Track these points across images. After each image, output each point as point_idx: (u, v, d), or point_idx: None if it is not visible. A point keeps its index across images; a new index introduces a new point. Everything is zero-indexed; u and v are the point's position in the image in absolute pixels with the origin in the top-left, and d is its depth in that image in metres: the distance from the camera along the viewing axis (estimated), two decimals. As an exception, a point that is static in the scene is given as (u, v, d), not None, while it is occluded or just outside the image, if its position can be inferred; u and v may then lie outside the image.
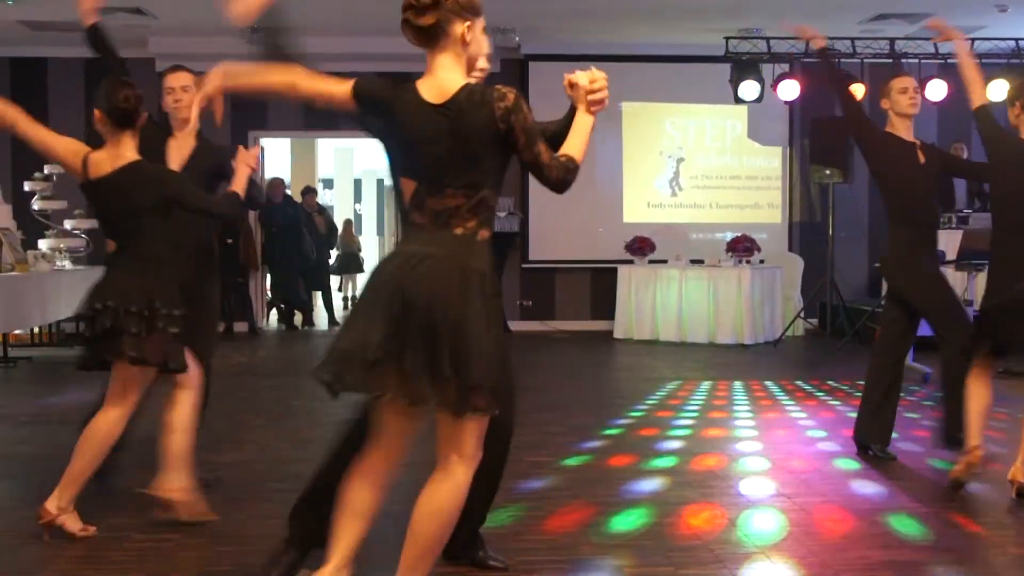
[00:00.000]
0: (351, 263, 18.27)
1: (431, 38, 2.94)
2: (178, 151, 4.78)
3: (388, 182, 25.09)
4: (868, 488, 5.05)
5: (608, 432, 6.40)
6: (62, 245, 11.11)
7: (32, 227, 11.33)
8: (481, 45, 3.03)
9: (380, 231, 26.78)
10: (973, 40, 11.31)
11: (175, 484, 4.29)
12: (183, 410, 4.37)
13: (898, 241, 5.49)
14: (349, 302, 18.49)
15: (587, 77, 3.05)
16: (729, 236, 12.38)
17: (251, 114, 12.58)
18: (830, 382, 8.54)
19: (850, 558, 3.96)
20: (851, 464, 5.53)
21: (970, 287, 8.96)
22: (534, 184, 3.04)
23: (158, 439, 4.36)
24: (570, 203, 10.58)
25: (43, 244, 11.04)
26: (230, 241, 12.41)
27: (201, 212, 4.43)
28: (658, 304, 11.86)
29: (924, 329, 5.67)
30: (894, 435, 5.68)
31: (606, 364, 10.34)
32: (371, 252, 24.67)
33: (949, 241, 10.70)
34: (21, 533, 4.23)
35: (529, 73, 12.73)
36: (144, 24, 11.36)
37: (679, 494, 4.90)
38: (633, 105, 12.95)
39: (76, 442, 4.20)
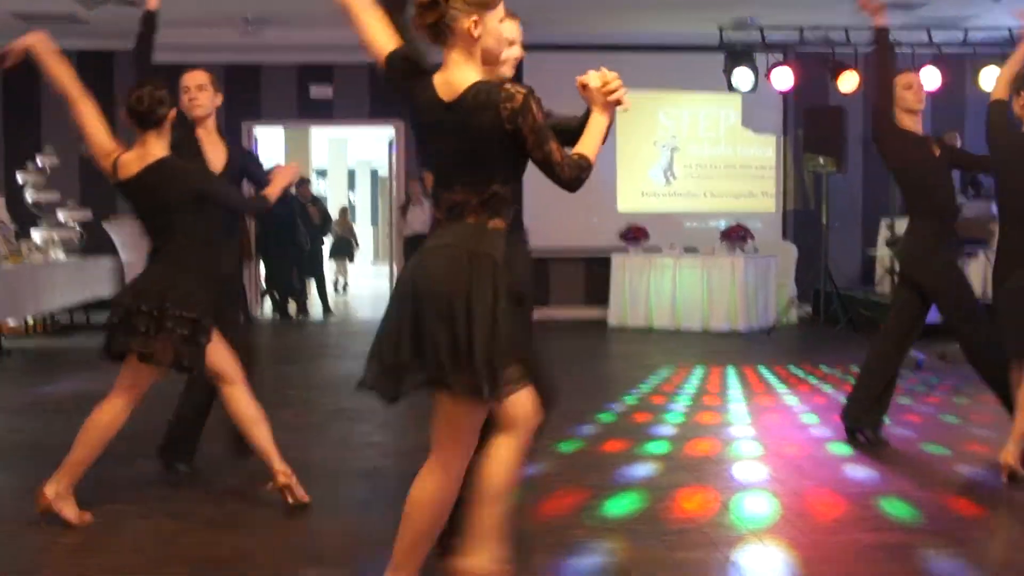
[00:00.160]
0: (344, 247, 18.34)
1: (439, 35, 2.92)
2: (215, 157, 4.86)
3: (382, 173, 25.14)
4: (860, 472, 5.08)
5: (602, 418, 6.43)
6: (55, 236, 11.12)
7: (25, 218, 11.32)
8: (498, 37, 2.97)
9: (374, 221, 26.79)
10: (967, 30, 11.35)
11: (276, 467, 4.35)
12: (238, 404, 4.42)
13: (921, 234, 5.51)
14: (342, 289, 18.59)
15: (599, 78, 3.04)
16: (723, 225, 12.41)
17: (245, 104, 12.56)
18: (823, 368, 8.57)
19: (841, 541, 3.99)
20: (843, 449, 5.56)
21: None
22: (528, 173, 3.02)
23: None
24: (564, 192, 10.57)
25: (36, 235, 11.04)
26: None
27: (230, 207, 4.57)
28: (652, 292, 11.88)
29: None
30: (886, 420, 5.71)
31: (600, 351, 10.37)
32: (366, 242, 24.69)
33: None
34: (17, 522, 4.25)
35: (524, 63, 12.68)
36: (137, 16, 11.33)
37: (672, 478, 4.93)
38: (627, 94, 12.94)
39: (70, 431, 4.22)
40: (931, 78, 11.32)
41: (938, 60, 11.47)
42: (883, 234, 11.59)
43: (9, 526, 4.22)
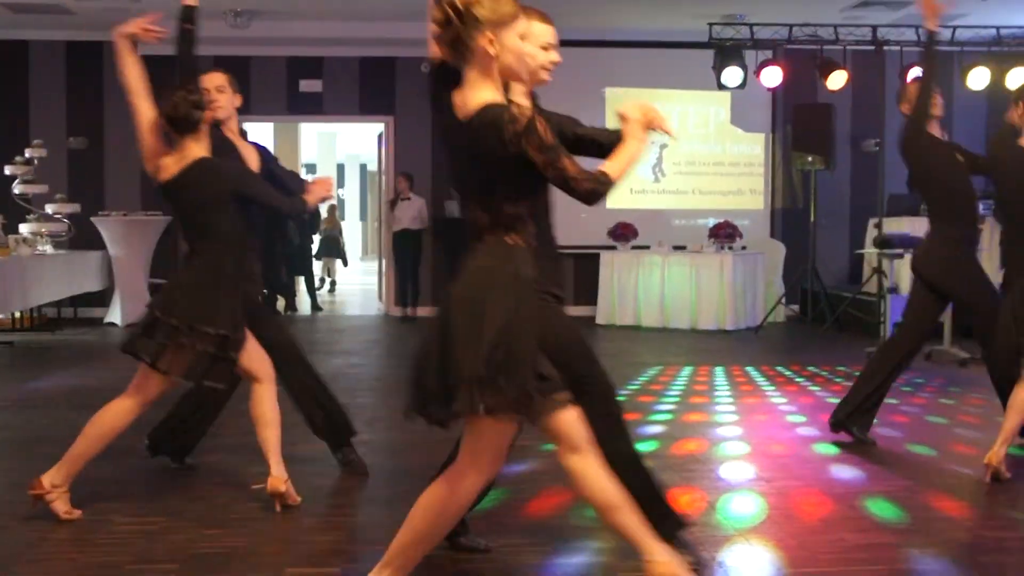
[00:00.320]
0: (332, 247, 18.32)
1: (458, 54, 2.91)
2: (249, 157, 4.91)
3: (371, 167, 25.09)
4: (846, 472, 5.11)
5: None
6: (43, 229, 11.09)
7: (13, 211, 11.29)
8: (517, 53, 2.92)
9: (363, 216, 26.74)
10: (955, 28, 11.39)
11: (274, 473, 4.35)
12: (262, 404, 4.44)
13: (947, 239, 5.50)
14: (329, 286, 18.58)
15: (639, 111, 3.04)
16: (712, 222, 12.44)
17: (234, 98, 12.53)
18: (810, 368, 8.61)
19: (828, 541, 4.01)
20: (830, 449, 5.59)
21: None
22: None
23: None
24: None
25: (24, 228, 11.01)
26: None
27: (266, 206, 4.67)
28: (640, 290, 11.91)
29: (900, 315, 5.73)
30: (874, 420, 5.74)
31: (588, 349, 10.36)
32: (354, 237, 24.67)
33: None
34: (6, 516, 4.24)
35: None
36: (125, 7, 11.29)
37: (660, 478, 4.92)
38: (616, 91, 12.96)
39: (58, 426, 4.22)
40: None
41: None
42: (871, 233, 11.64)
43: (-3, 521, 4.22)
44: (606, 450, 3.07)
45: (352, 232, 23.53)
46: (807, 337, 11.02)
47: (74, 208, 11.47)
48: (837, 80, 11.52)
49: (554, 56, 3.29)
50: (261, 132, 18.44)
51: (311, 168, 25.29)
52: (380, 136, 14.20)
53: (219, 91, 4.84)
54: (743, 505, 4.49)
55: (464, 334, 2.80)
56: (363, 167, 27.84)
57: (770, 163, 13.50)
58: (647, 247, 12.25)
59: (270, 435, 4.42)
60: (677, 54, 12.96)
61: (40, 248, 10.89)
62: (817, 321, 11.71)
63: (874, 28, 11.41)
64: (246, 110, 14.97)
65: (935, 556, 3.84)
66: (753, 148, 13.46)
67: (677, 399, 7.14)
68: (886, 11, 11.73)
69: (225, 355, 4.24)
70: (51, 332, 11.15)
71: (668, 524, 3.49)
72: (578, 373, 3.22)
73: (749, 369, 8.56)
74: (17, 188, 11.20)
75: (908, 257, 10.41)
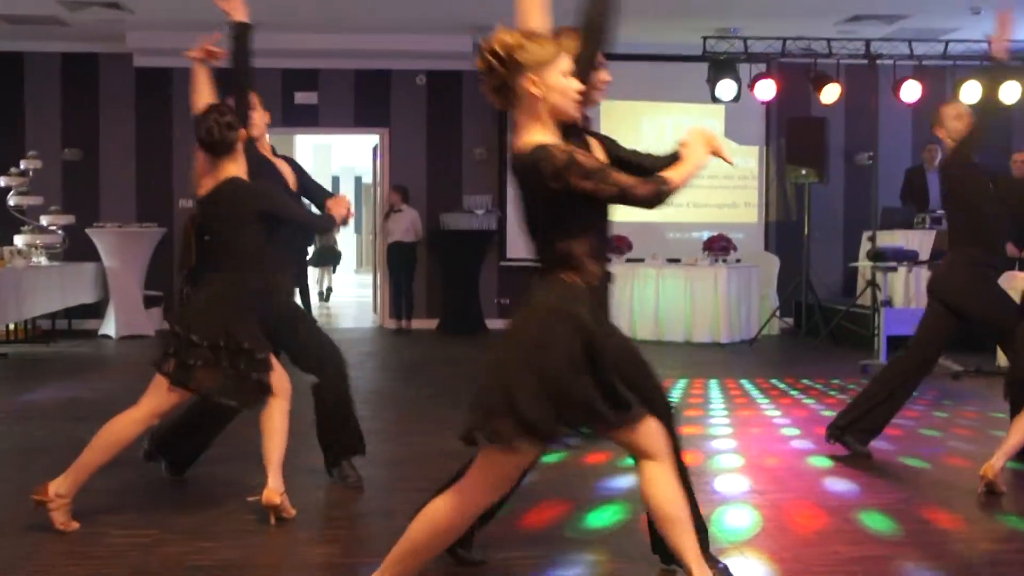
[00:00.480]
0: (327, 256, 18.37)
1: (503, 100, 2.94)
2: (287, 174, 4.99)
3: (366, 179, 25.09)
4: (840, 485, 5.12)
5: (584, 429, 6.43)
6: (38, 241, 11.08)
7: (8, 223, 11.28)
8: (562, 91, 2.94)
9: (358, 228, 26.71)
10: (947, 42, 11.45)
11: (271, 485, 4.35)
12: (273, 418, 4.45)
13: (971, 261, 5.54)
14: (325, 292, 18.64)
15: (703, 138, 3.12)
16: (706, 235, 12.45)
17: (229, 110, 12.54)
18: (804, 380, 8.62)
19: (822, 553, 4.02)
20: (824, 462, 5.60)
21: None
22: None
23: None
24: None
25: (19, 240, 10.99)
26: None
27: (299, 224, 4.80)
28: (635, 303, 11.91)
29: (894, 328, 5.75)
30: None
31: (583, 362, 10.36)
32: (349, 249, 24.65)
33: (923, 241, 10.84)
34: (3, 526, 4.24)
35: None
36: (120, 19, 11.32)
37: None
38: (611, 103, 12.98)
39: (53, 438, 4.22)
40: (911, 91, 11.42)
41: (918, 72, 11.56)
42: (864, 246, 11.66)
43: (-9, 534, 4.22)
44: None
45: (347, 244, 23.52)
46: (801, 350, 11.03)
47: (69, 220, 11.45)
48: (830, 94, 11.56)
49: (604, 75, 3.41)
50: (256, 144, 18.49)
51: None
52: (375, 148, 14.21)
53: (252, 109, 4.87)
54: (737, 518, 4.50)
55: (508, 369, 2.85)
56: (358, 179, 27.83)
57: (764, 176, 13.53)
58: (641, 260, 12.26)
59: (274, 448, 4.43)
60: (671, 67, 13.00)
61: (35, 260, 10.88)
62: (811, 334, 11.72)
63: (867, 42, 11.45)
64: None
65: (929, 569, 3.85)
66: (747, 161, 13.49)
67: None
68: (880, 25, 11.78)
69: (256, 371, 4.29)
70: (46, 344, 11.13)
71: (703, 540, 3.58)
72: (644, 393, 3.28)
73: (743, 382, 8.57)
74: (12, 200, 11.19)
75: (901, 270, 10.50)
